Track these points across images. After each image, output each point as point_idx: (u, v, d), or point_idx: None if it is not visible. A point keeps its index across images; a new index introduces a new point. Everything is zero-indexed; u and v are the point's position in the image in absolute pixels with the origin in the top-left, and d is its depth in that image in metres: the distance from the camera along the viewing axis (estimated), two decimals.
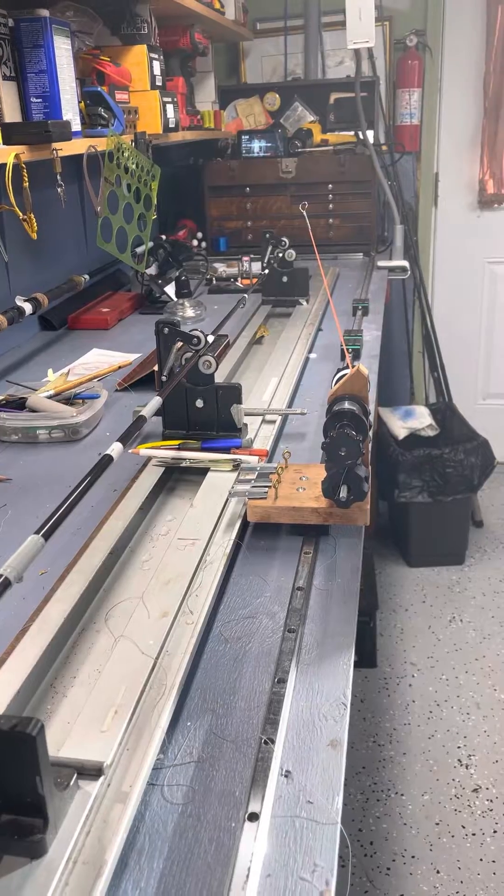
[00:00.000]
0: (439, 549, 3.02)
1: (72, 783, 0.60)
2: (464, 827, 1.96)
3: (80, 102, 1.68)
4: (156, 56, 2.01)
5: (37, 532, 0.68)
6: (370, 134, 2.84)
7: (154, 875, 0.58)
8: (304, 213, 1.36)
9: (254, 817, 0.61)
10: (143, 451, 1.21)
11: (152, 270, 2.38)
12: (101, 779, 0.62)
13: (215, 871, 0.58)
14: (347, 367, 1.02)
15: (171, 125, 2.12)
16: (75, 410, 1.39)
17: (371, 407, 1.38)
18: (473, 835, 1.94)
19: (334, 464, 0.93)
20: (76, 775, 0.61)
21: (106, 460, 0.83)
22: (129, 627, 0.82)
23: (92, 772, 0.63)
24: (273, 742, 0.68)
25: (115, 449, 0.86)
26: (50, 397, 1.45)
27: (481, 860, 1.87)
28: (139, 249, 2.20)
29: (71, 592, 0.88)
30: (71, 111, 1.61)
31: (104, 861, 0.56)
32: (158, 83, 2.04)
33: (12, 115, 1.50)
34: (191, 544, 0.98)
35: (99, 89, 1.75)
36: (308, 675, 0.78)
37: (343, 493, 0.93)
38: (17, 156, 1.36)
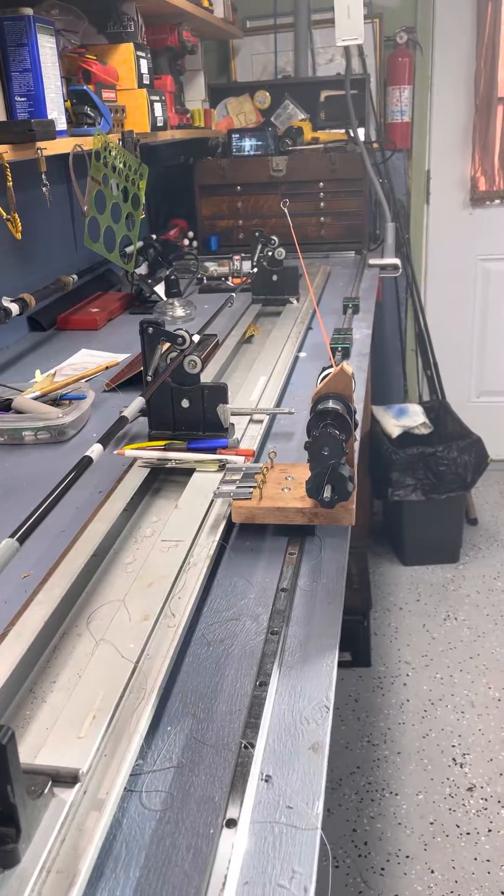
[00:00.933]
0: (433, 547, 3.02)
1: (46, 791, 0.59)
2: (458, 826, 1.96)
3: (65, 101, 1.67)
4: (143, 54, 2.00)
5: (11, 535, 0.67)
6: (361, 131, 2.83)
7: (130, 884, 0.57)
8: (286, 211, 1.35)
9: (232, 823, 0.60)
10: (129, 451, 1.20)
11: (142, 270, 2.37)
12: (77, 786, 0.61)
13: (192, 878, 0.57)
14: (332, 367, 1.01)
15: (160, 124, 2.11)
16: (61, 411, 1.38)
17: (359, 405, 1.37)
18: (468, 834, 1.93)
19: (318, 463, 0.92)
20: (51, 783, 0.60)
21: (85, 461, 0.82)
22: (110, 631, 0.81)
23: (67, 779, 0.62)
24: (253, 746, 0.67)
25: (94, 450, 0.85)
26: (36, 398, 1.44)
27: (475, 859, 1.86)
28: (128, 249, 2.19)
29: (52, 596, 0.87)
30: (56, 110, 1.60)
31: (78, 870, 0.55)
32: (146, 81, 2.03)
33: None
34: (175, 546, 0.97)
35: (85, 88, 1.74)
36: (290, 678, 0.77)
37: (327, 492, 0.93)
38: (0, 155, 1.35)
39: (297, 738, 0.70)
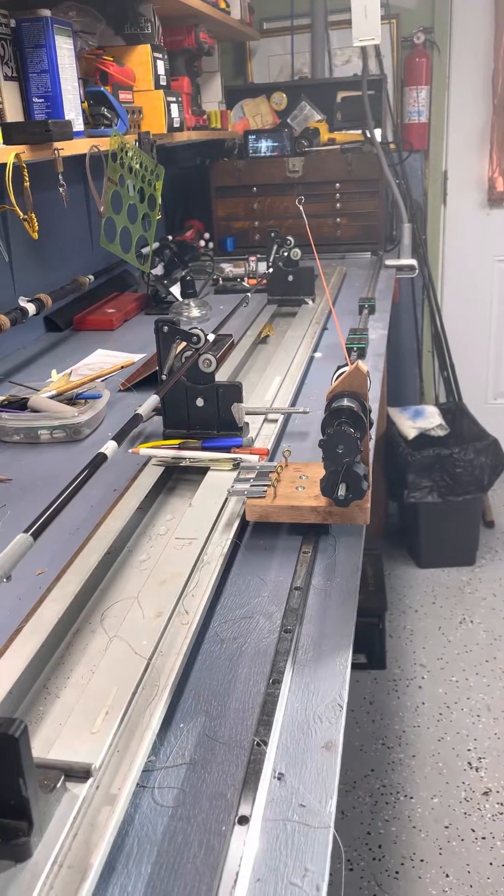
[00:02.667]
0: (449, 549, 2.99)
1: (59, 785, 0.59)
2: (473, 830, 1.94)
3: (82, 102, 1.68)
4: (160, 56, 2.01)
5: (26, 531, 0.67)
6: (378, 132, 2.82)
7: (142, 879, 0.57)
8: (301, 209, 1.35)
9: (244, 820, 0.60)
10: (143, 450, 1.20)
11: (158, 271, 2.38)
12: (90, 781, 0.62)
13: (204, 875, 0.57)
14: (347, 366, 1.01)
15: (176, 125, 2.11)
16: (77, 410, 1.39)
17: (374, 405, 1.36)
18: (483, 838, 1.91)
19: (332, 462, 0.91)
20: (63, 777, 0.60)
21: (100, 458, 0.82)
22: (123, 628, 0.81)
23: (80, 774, 0.62)
24: (266, 744, 0.67)
25: (109, 447, 0.85)
26: (52, 398, 1.45)
27: (491, 864, 1.85)
28: (144, 250, 2.20)
29: (66, 592, 0.87)
30: (73, 111, 1.61)
31: (90, 865, 0.55)
32: (163, 83, 2.03)
33: (14, 115, 1.50)
34: (188, 543, 0.97)
35: (102, 89, 1.75)
36: (304, 676, 0.77)
37: (342, 491, 0.92)
38: (17, 155, 1.36)
39: (310, 737, 0.69)
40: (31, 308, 1.71)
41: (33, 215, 1.44)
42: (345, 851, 1.90)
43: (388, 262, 2.66)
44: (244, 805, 0.62)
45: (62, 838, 0.56)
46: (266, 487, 1.03)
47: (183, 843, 0.60)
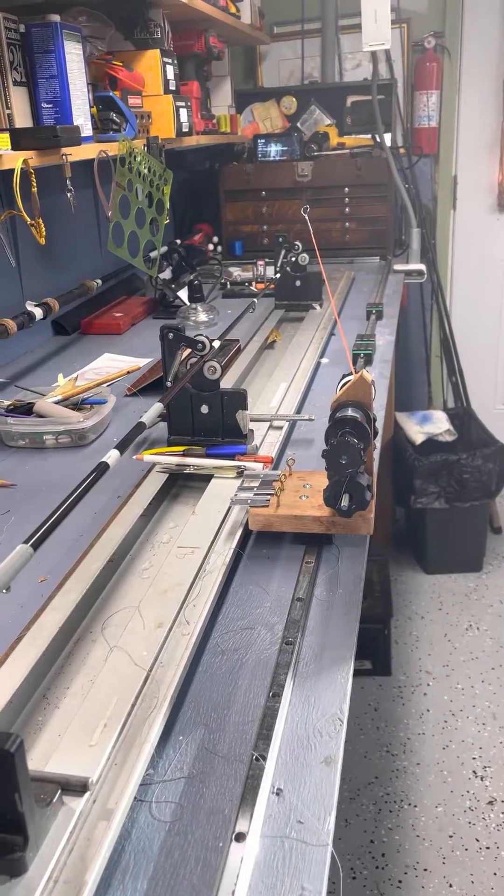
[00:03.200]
0: (456, 555, 2.98)
1: (55, 800, 0.59)
2: (478, 840, 1.92)
3: (91, 107, 1.68)
4: (169, 60, 2.01)
5: (26, 541, 0.67)
6: (387, 137, 2.81)
7: (138, 895, 0.57)
8: (307, 218, 1.35)
9: (241, 837, 0.60)
10: (147, 457, 1.20)
11: (166, 275, 2.38)
12: (87, 795, 0.61)
13: (200, 892, 0.57)
14: (352, 375, 1.00)
15: (185, 129, 2.12)
16: (82, 416, 1.39)
17: (381, 413, 1.36)
18: (488, 848, 1.90)
19: (335, 472, 0.91)
20: (60, 791, 0.60)
21: (102, 467, 0.82)
22: (124, 637, 0.81)
23: (77, 787, 0.61)
24: (264, 759, 0.67)
25: (111, 456, 0.85)
26: (57, 402, 1.45)
27: (495, 874, 1.83)
28: (152, 254, 2.20)
29: (68, 600, 0.87)
30: (82, 116, 1.61)
31: (85, 881, 0.54)
32: (172, 87, 2.04)
33: (23, 120, 1.50)
34: (191, 552, 0.96)
35: (111, 94, 1.75)
36: (304, 689, 0.76)
37: (345, 501, 0.92)
38: (25, 161, 1.36)
39: (309, 751, 0.69)
40: (38, 312, 1.71)
41: (41, 221, 1.45)
42: (348, 860, 1.89)
43: (397, 266, 2.65)
44: (242, 821, 0.61)
45: (58, 853, 0.56)
46: (269, 496, 1.02)
47: (180, 858, 0.59)
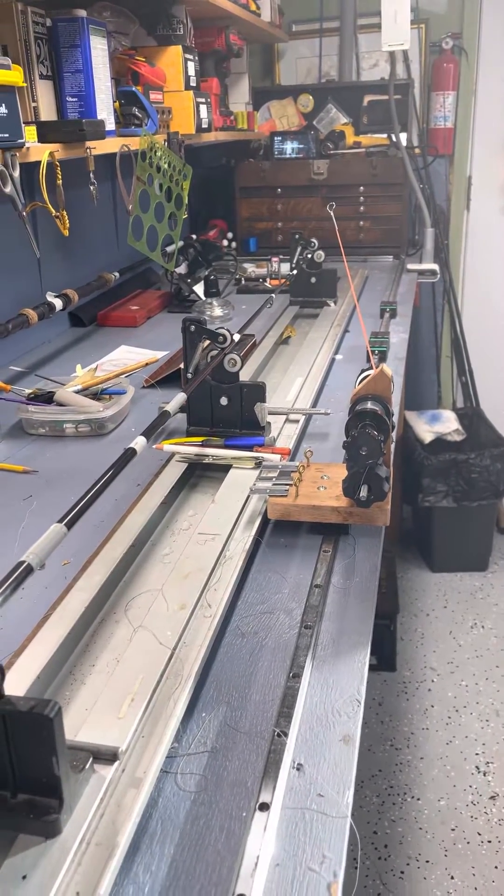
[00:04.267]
0: (463, 554, 3.00)
1: (87, 766, 0.61)
2: (480, 834, 1.95)
3: (114, 102, 1.71)
4: (190, 57, 2.03)
5: (60, 521, 0.69)
6: (403, 136, 2.83)
7: (165, 860, 0.59)
8: (332, 214, 1.37)
9: (264, 807, 0.62)
10: (167, 447, 1.23)
11: (182, 269, 2.40)
12: (116, 764, 0.64)
13: (225, 858, 0.59)
14: (372, 369, 1.02)
15: (205, 126, 2.14)
16: (102, 405, 1.41)
17: (395, 409, 1.38)
18: (489, 842, 1.93)
19: (355, 463, 0.93)
20: (92, 759, 0.62)
21: (129, 453, 0.85)
22: (147, 618, 0.84)
23: (107, 756, 0.64)
24: (286, 735, 0.69)
25: (138, 443, 0.87)
26: (77, 392, 1.47)
27: (496, 868, 1.86)
28: (169, 248, 2.23)
29: (92, 583, 0.89)
30: (105, 111, 1.63)
31: (117, 843, 0.57)
32: (193, 84, 2.06)
33: (48, 113, 1.53)
34: (211, 539, 0.99)
35: (133, 89, 1.77)
36: (323, 672, 0.79)
37: (363, 492, 0.94)
38: (51, 154, 1.39)
39: (328, 730, 0.71)
40: (58, 303, 1.73)
41: (65, 213, 1.47)
42: (351, 850, 1.91)
43: (410, 266, 2.67)
44: (264, 793, 0.64)
45: (90, 817, 0.59)
46: (288, 486, 1.05)
47: (205, 826, 0.62)
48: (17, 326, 1.61)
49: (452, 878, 1.84)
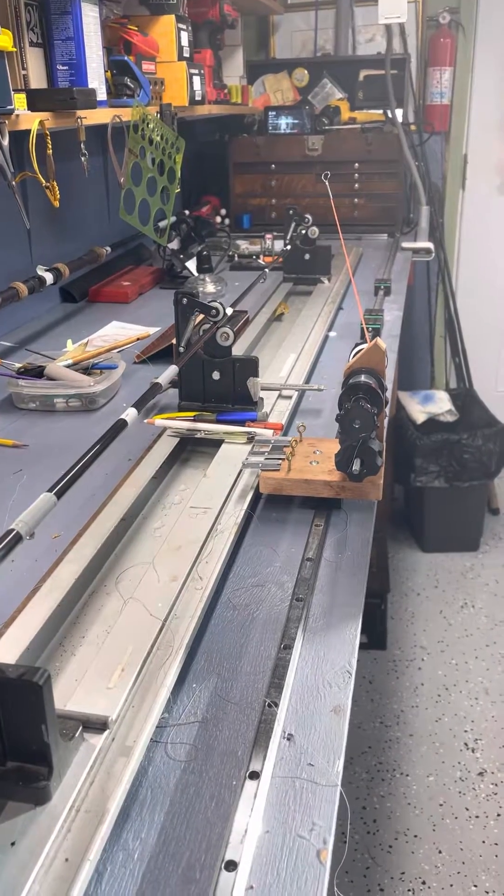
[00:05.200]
0: (454, 535, 3.01)
1: (77, 735, 0.61)
2: (467, 809, 1.97)
3: (106, 71, 1.68)
4: (184, 27, 2.00)
5: (49, 490, 0.69)
6: (399, 113, 2.80)
7: (155, 827, 0.59)
8: (327, 184, 1.35)
9: (255, 776, 0.62)
10: (159, 421, 1.22)
11: (174, 245, 2.38)
12: (106, 733, 0.63)
13: (215, 825, 0.59)
14: (365, 343, 1.01)
15: (198, 98, 2.10)
16: (93, 380, 1.40)
17: (389, 385, 1.37)
18: (477, 817, 1.95)
19: (348, 436, 0.92)
20: (81, 727, 0.62)
21: (120, 424, 0.84)
22: (139, 590, 0.83)
23: (97, 725, 0.64)
24: (276, 705, 0.69)
25: (129, 414, 0.86)
26: (68, 367, 1.46)
27: (483, 842, 1.88)
28: (162, 223, 2.20)
29: (83, 555, 0.89)
30: (97, 80, 1.60)
31: (106, 810, 0.57)
32: (186, 55, 2.02)
33: (38, 82, 1.50)
34: (203, 513, 0.98)
35: (125, 59, 1.74)
36: (314, 643, 0.79)
37: (356, 466, 0.93)
38: (41, 123, 1.36)
39: (319, 701, 0.71)
40: (48, 277, 1.71)
41: (55, 184, 1.45)
42: (339, 824, 1.93)
43: (405, 244, 2.65)
44: (255, 762, 0.64)
45: (80, 784, 0.58)
46: (280, 461, 1.04)
47: (195, 794, 0.62)
48: (6, 300, 1.59)
49: (440, 852, 1.86)
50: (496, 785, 2.03)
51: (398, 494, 3.24)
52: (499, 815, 1.95)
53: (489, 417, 3.05)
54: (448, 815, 1.96)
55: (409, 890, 1.78)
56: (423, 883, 1.79)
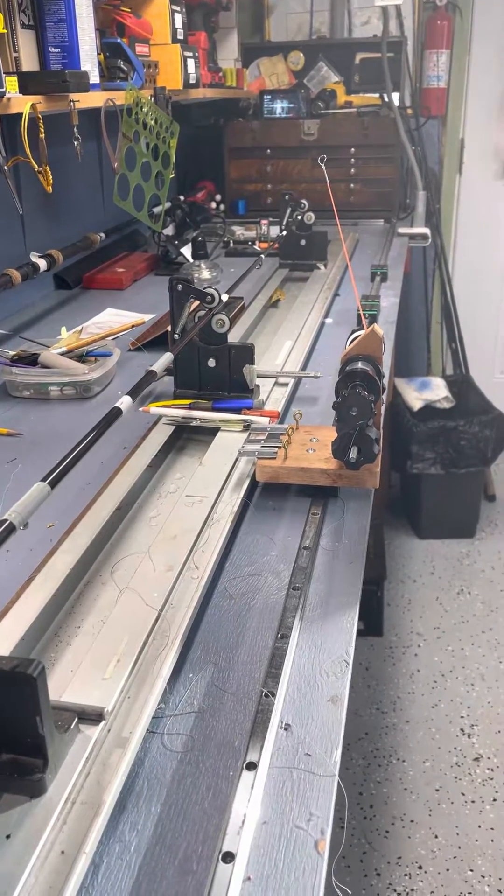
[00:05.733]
0: (450, 521, 3.01)
1: (72, 726, 0.60)
2: (463, 794, 1.98)
3: (99, 54, 1.65)
4: (178, 8, 1.97)
5: (43, 480, 0.68)
6: (395, 96, 2.77)
7: (151, 818, 0.59)
8: (324, 168, 1.33)
9: (252, 766, 0.62)
10: (154, 409, 1.21)
11: (169, 231, 2.36)
12: (102, 724, 0.63)
13: (212, 816, 0.59)
14: (362, 329, 1.00)
15: (192, 81, 2.08)
16: (87, 368, 1.38)
17: (385, 372, 1.36)
18: (473, 802, 1.96)
19: (345, 424, 0.92)
20: (77, 719, 0.61)
21: (115, 413, 0.83)
22: (134, 580, 0.83)
23: (93, 716, 0.63)
24: (273, 695, 0.69)
25: (124, 402, 0.85)
26: (62, 354, 1.45)
27: (479, 827, 1.89)
28: (156, 209, 2.18)
29: (77, 545, 0.88)
30: (90, 62, 1.58)
31: (102, 802, 0.56)
32: (180, 37, 2.00)
33: (30, 64, 1.47)
34: (199, 501, 0.97)
35: (119, 41, 1.72)
36: (311, 633, 0.78)
37: (353, 454, 0.93)
38: (33, 106, 1.34)
39: (316, 690, 0.71)
40: (42, 264, 1.69)
41: (48, 168, 1.43)
42: (337, 810, 1.94)
43: (401, 230, 2.63)
44: (252, 753, 0.63)
45: (75, 776, 0.58)
46: (277, 449, 1.03)
47: (192, 785, 0.61)
48: (0, 287, 1.57)
49: (436, 837, 1.87)
50: (492, 770, 2.04)
51: (395, 481, 3.24)
52: (495, 799, 1.96)
53: (486, 404, 3.04)
54: (444, 801, 1.97)
55: (405, 874, 1.79)
56: (420, 867, 1.80)
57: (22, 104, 1.32)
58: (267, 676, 0.71)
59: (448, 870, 1.79)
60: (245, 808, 0.59)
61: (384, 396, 1.06)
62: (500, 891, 1.74)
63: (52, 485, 0.67)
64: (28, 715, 0.54)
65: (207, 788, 0.61)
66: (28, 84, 1.39)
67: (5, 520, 0.62)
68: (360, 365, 0.92)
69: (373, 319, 1.68)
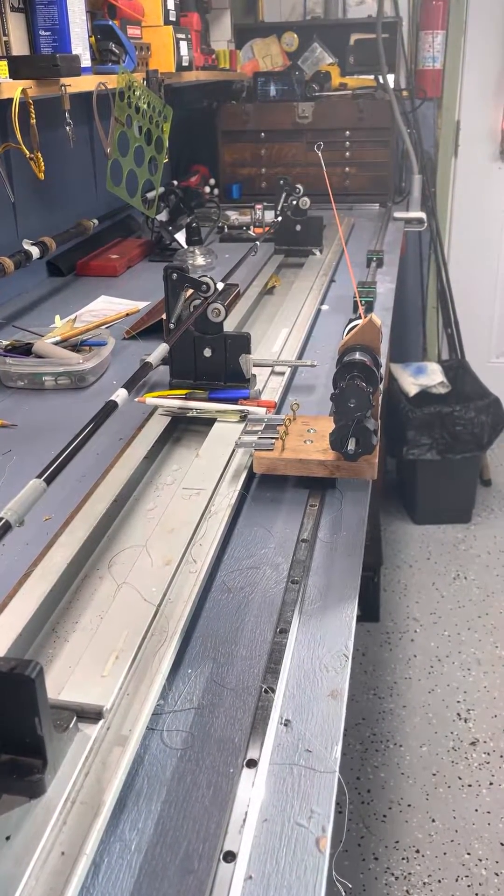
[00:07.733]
0: (446, 506, 3.02)
1: (71, 725, 0.60)
2: (460, 778, 2.00)
3: (90, 37, 1.62)
4: None
5: (39, 476, 0.67)
6: (391, 78, 2.74)
7: (152, 817, 0.59)
8: (320, 154, 1.32)
9: (252, 763, 0.62)
10: (150, 399, 1.20)
11: (163, 217, 2.33)
12: (101, 722, 0.63)
13: (213, 814, 0.58)
14: (360, 318, 0.99)
15: (185, 64, 2.05)
16: (81, 357, 1.37)
17: (383, 360, 1.35)
18: (469, 786, 1.97)
19: (343, 416, 0.91)
20: (76, 718, 0.61)
21: (110, 406, 0.82)
22: (132, 574, 0.82)
23: (92, 715, 0.63)
24: (273, 691, 0.68)
25: (119, 395, 0.84)
26: (56, 343, 1.43)
27: (476, 811, 1.91)
28: (150, 194, 2.15)
29: (74, 538, 0.87)
30: (81, 45, 1.55)
31: (102, 801, 0.56)
32: (172, 18, 1.96)
33: (20, 48, 1.45)
34: (196, 494, 0.97)
35: (110, 23, 1.68)
36: (310, 626, 0.78)
37: (351, 445, 0.92)
38: (24, 91, 1.32)
39: (316, 685, 0.70)
40: (34, 251, 1.67)
41: (39, 154, 1.41)
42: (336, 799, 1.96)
43: (397, 214, 2.61)
44: (252, 749, 0.63)
45: (75, 776, 0.58)
46: (274, 440, 1.02)
47: (192, 783, 0.61)
48: None
49: (433, 821, 1.89)
50: (488, 754, 2.06)
51: (390, 467, 3.24)
52: (491, 783, 1.98)
53: (481, 389, 3.04)
54: (441, 785, 1.98)
55: (403, 858, 1.80)
56: (417, 851, 1.82)
57: (12, 89, 1.30)
58: (266, 671, 0.71)
59: (445, 853, 1.81)
60: (246, 805, 0.58)
61: (381, 386, 1.05)
62: (496, 874, 1.76)
63: (48, 481, 0.67)
64: (26, 716, 0.54)
65: (208, 786, 0.61)
66: (18, 68, 1.36)
67: (1, 518, 0.61)
68: (357, 355, 0.91)
69: (369, 306, 1.67)
